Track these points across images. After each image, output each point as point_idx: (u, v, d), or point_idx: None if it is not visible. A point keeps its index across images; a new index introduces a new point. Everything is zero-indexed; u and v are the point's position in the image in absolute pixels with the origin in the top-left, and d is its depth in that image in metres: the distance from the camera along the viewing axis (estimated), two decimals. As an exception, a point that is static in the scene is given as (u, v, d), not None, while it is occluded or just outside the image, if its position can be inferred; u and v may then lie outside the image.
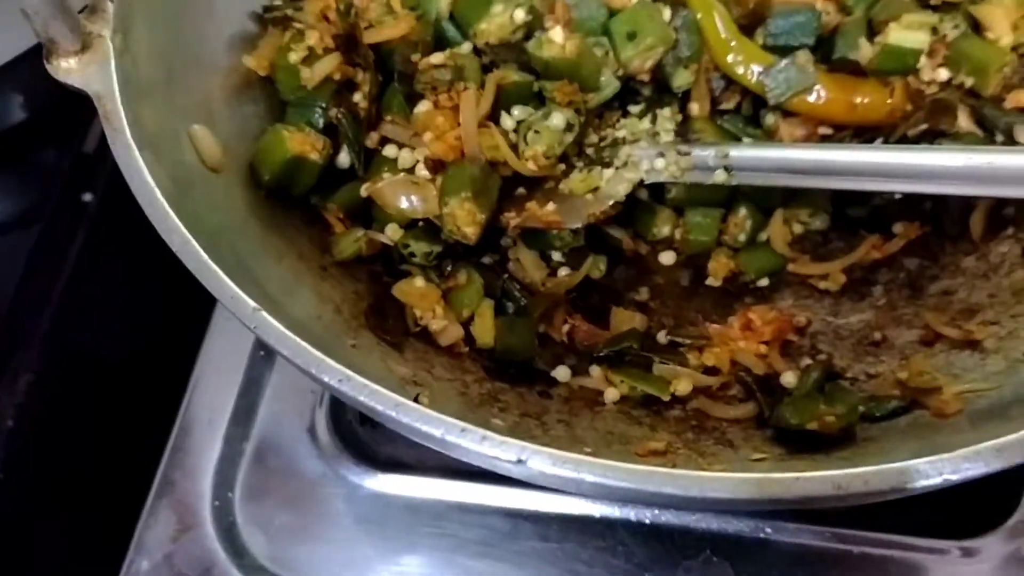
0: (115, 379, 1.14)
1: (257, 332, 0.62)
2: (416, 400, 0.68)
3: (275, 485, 0.98)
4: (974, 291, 0.86)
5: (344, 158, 0.91)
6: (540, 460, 0.55)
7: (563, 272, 0.94)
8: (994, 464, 0.52)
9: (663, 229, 0.97)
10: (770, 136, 0.97)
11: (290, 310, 0.74)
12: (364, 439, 1.00)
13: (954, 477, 0.52)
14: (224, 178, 0.83)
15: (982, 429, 0.64)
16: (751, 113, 0.98)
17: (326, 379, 0.59)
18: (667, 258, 0.97)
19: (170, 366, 1.07)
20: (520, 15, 0.91)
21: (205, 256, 0.63)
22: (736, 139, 0.97)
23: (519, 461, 0.55)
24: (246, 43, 0.94)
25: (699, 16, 0.94)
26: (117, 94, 0.72)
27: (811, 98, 0.92)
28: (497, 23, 0.91)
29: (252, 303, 0.61)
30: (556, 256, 0.94)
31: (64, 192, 1.21)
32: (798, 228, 0.97)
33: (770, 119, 0.97)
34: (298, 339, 0.61)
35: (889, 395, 0.76)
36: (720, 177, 0.87)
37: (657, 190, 0.96)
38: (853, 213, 0.96)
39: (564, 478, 0.55)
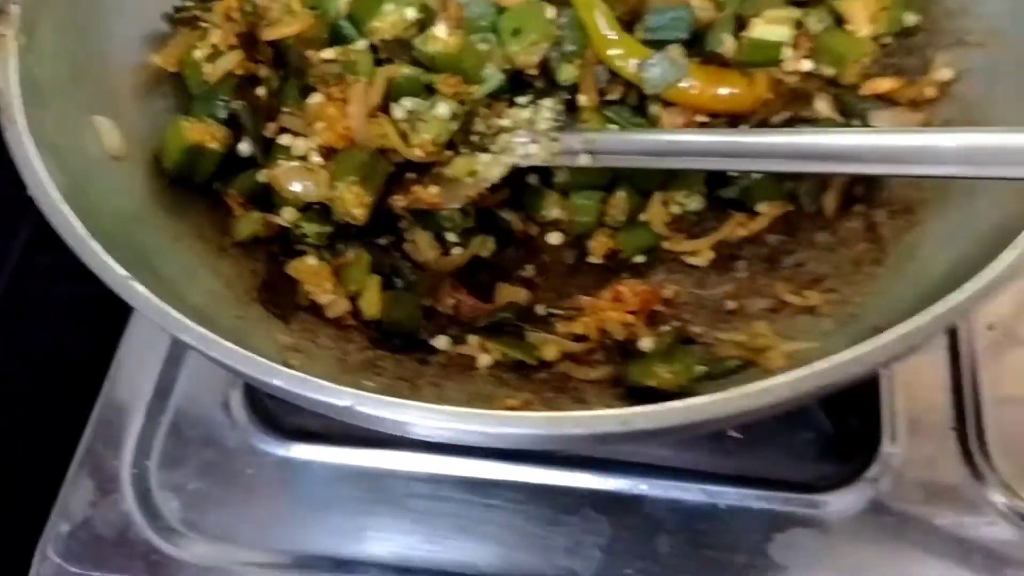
0: (50, 364, 1.21)
1: (127, 298, 0.68)
2: (287, 365, 0.75)
3: (190, 454, 1.05)
4: (821, 263, 0.93)
5: (245, 147, 0.97)
6: (371, 405, 0.61)
7: (456, 251, 1.01)
8: (760, 401, 0.59)
9: (551, 211, 1.04)
10: (653, 124, 1.04)
11: (180, 286, 0.81)
12: (274, 412, 1.06)
13: (723, 413, 0.59)
14: (128, 167, 0.90)
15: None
16: (637, 103, 1.05)
17: (183, 337, 0.66)
18: (554, 238, 1.04)
19: (99, 350, 1.14)
20: (411, 13, 0.98)
21: (79, 228, 0.70)
22: (621, 127, 1.04)
23: (350, 407, 0.61)
24: (157, 42, 1.01)
25: (582, 13, 1.01)
26: (15, 88, 0.79)
27: (685, 89, 0.99)
28: (390, 21, 0.98)
29: (122, 271, 0.68)
30: (450, 237, 1.01)
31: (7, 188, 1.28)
32: (676, 209, 1.03)
33: (653, 109, 1.03)
34: (164, 304, 0.67)
35: (728, 355, 0.83)
36: (584, 160, 0.94)
37: (546, 175, 1.03)
38: (725, 194, 1.02)
39: (390, 420, 0.62)
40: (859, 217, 0.94)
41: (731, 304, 0.93)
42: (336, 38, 1.00)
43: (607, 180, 1.02)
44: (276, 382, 0.63)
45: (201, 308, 0.79)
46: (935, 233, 0.84)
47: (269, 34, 0.97)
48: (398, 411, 0.61)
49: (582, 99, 1.05)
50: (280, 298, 0.91)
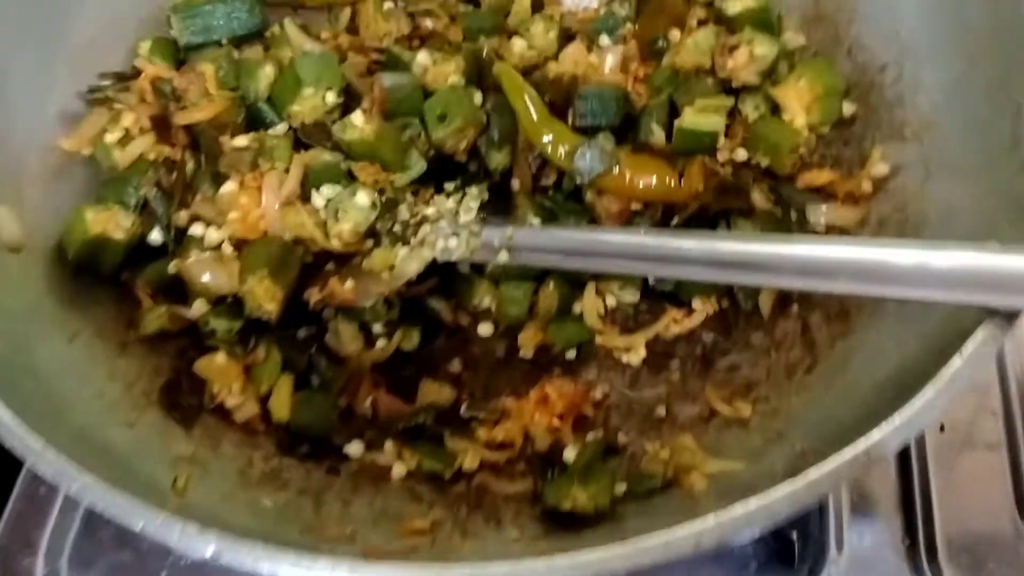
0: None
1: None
2: (174, 484, 0.70)
3: (103, 555, 0.98)
4: (756, 367, 0.89)
5: (156, 235, 0.93)
6: (236, 553, 0.56)
7: (380, 344, 0.96)
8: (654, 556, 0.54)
9: (483, 300, 1.00)
10: (589, 211, 1.01)
11: (66, 394, 0.76)
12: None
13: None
14: (24, 258, 0.85)
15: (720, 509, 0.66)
16: (572, 188, 1.02)
17: (40, 469, 0.61)
18: (485, 329, 1.00)
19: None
20: (331, 98, 0.94)
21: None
22: (554, 214, 1.00)
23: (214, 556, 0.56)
24: (70, 121, 0.97)
25: (511, 99, 0.98)
26: None
27: (617, 177, 0.96)
28: (310, 105, 0.95)
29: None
30: (376, 327, 0.97)
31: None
32: (611, 300, 1.00)
33: (588, 195, 1.00)
34: (24, 429, 0.62)
35: (651, 473, 0.79)
36: (503, 257, 0.90)
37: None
38: (659, 287, 0.99)
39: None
40: (795, 319, 0.91)
41: (661, 410, 0.89)
42: (254, 121, 0.97)
43: (539, 271, 0.98)
44: (140, 525, 0.57)
45: (84, 421, 0.74)
46: (867, 344, 0.81)
47: (183, 118, 0.93)
48: (267, 561, 0.56)
49: (515, 183, 1.02)
50: (183, 400, 0.86)
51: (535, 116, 0.97)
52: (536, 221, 0.93)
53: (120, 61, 1.02)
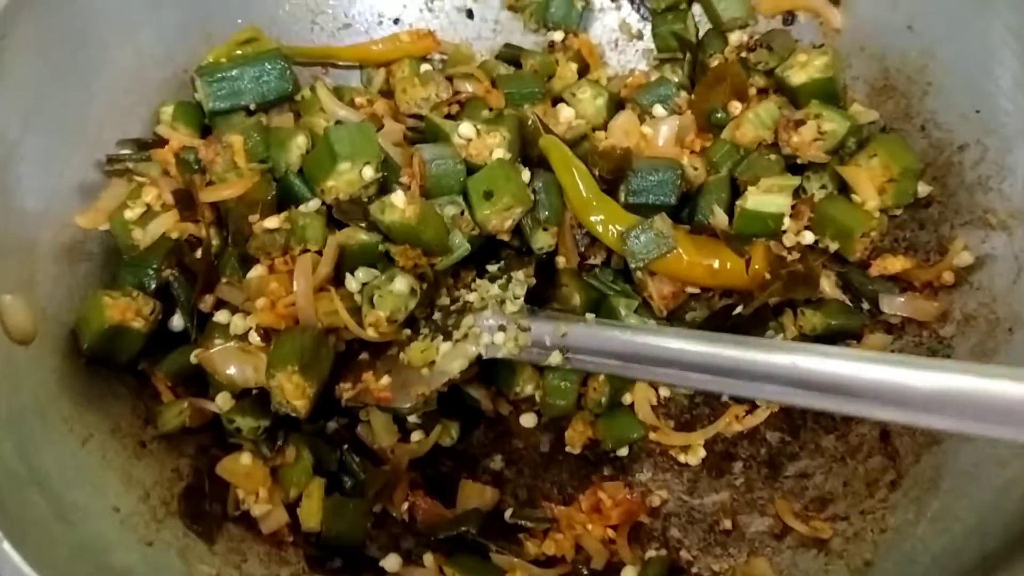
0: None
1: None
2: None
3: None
4: (830, 476, 0.81)
5: (177, 321, 0.86)
6: None
7: (416, 437, 0.89)
8: None
9: (526, 388, 0.92)
10: (639, 292, 0.94)
11: (76, 510, 0.69)
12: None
13: None
14: (34, 350, 0.78)
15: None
16: (621, 266, 0.95)
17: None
18: (528, 420, 0.92)
19: None
20: (369, 173, 0.87)
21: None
22: (602, 295, 0.93)
23: None
24: (87, 194, 0.90)
25: (560, 175, 0.91)
26: None
27: (673, 260, 0.89)
28: (345, 180, 0.88)
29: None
30: (411, 418, 0.89)
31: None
32: (664, 391, 0.92)
33: (639, 274, 0.93)
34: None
35: (724, 605, 0.71)
36: (556, 359, 0.83)
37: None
38: (718, 379, 0.91)
39: None
40: (871, 422, 0.83)
41: (726, 522, 0.81)
42: (286, 197, 0.90)
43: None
44: None
45: (97, 543, 0.67)
46: (960, 460, 0.73)
47: (209, 195, 0.86)
48: None
49: (560, 260, 0.95)
50: (205, 508, 0.78)
51: (585, 193, 0.90)
52: (591, 317, 0.86)
53: (141, 127, 0.95)
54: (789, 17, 1.04)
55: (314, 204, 0.88)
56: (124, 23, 0.90)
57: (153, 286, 0.85)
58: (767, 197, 0.89)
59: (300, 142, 0.91)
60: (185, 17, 0.96)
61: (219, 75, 0.95)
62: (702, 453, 0.87)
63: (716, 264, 0.88)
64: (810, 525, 0.76)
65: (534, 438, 0.92)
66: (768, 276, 0.87)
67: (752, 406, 0.89)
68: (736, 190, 0.93)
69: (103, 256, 0.89)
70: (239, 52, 0.98)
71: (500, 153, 0.90)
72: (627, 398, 0.92)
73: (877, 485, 0.77)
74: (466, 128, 0.91)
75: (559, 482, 0.88)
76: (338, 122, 0.95)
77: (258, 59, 0.96)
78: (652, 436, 0.89)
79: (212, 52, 0.98)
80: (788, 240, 0.90)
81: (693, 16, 1.07)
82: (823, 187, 0.93)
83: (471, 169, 0.90)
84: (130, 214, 0.87)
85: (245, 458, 0.82)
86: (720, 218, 0.89)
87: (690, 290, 0.93)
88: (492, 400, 0.93)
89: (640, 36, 1.10)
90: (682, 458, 0.88)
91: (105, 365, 0.83)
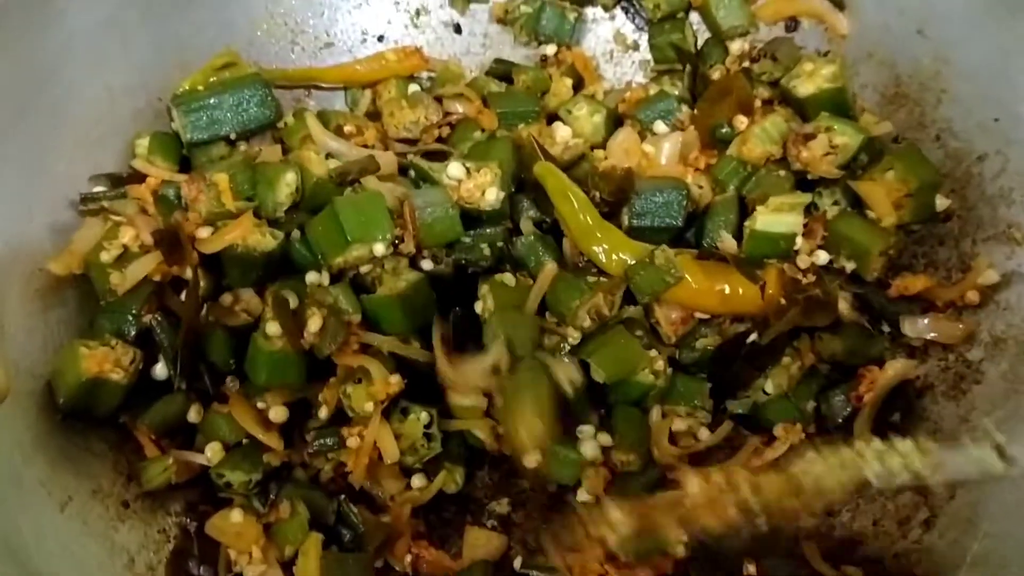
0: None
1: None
2: None
3: None
4: (857, 514, 0.77)
5: (161, 369, 0.81)
6: None
7: (417, 483, 0.84)
8: None
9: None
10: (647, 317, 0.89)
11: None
12: None
13: None
14: (7, 409, 0.73)
15: None
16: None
17: None
18: (532, 459, 0.87)
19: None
20: (380, 249, 0.81)
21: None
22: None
23: None
24: (59, 234, 0.84)
25: (557, 205, 0.85)
26: None
27: (680, 288, 0.84)
28: (355, 256, 0.82)
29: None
30: (409, 460, 0.84)
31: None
32: (679, 425, 0.87)
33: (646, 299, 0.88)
34: None
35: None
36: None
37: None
38: (733, 409, 0.87)
39: None
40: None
41: (751, 567, 0.77)
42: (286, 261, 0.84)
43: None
44: None
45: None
46: (998, 497, 0.68)
47: (205, 246, 0.81)
48: None
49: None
50: (195, 573, 0.74)
51: (585, 221, 0.85)
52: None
53: (115, 160, 0.90)
54: (792, 24, 0.99)
55: (323, 278, 0.83)
56: (93, 53, 0.85)
57: (133, 333, 0.80)
58: (777, 216, 0.84)
59: (289, 179, 0.85)
60: (157, 44, 0.91)
61: (196, 104, 0.91)
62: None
63: (727, 289, 0.84)
64: (841, 571, 0.72)
65: (541, 477, 0.87)
66: (783, 301, 0.82)
67: (770, 438, 0.85)
68: (744, 209, 0.89)
69: (78, 302, 0.84)
70: (215, 79, 0.93)
71: (492, 194, 0.85)
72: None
73: (909, 524, 0.73)
74: (455, 169, 0.85)
75: (571, 524, 0.83)
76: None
77: (237, 85, 0.92)
78: (671, 475, 0.84)
79: (188, 79, 0.92)
80: (802, 261, 0.85)
81: (691, 25, 1.03)
82: (835, 203, 0.88)
83: (465, 212, 0.85)
84: (107, 256, 0.82)
85: (236, 515, 0.77)
86: (728, 243, 0.84)
87: (699, 315, 0.88)
88: (495, 438, 0.88)
89: (636, 47, 1.05)
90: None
91: (83, 420, 0.78)
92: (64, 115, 0.85)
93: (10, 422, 0.73)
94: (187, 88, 0.92)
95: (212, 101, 0.91)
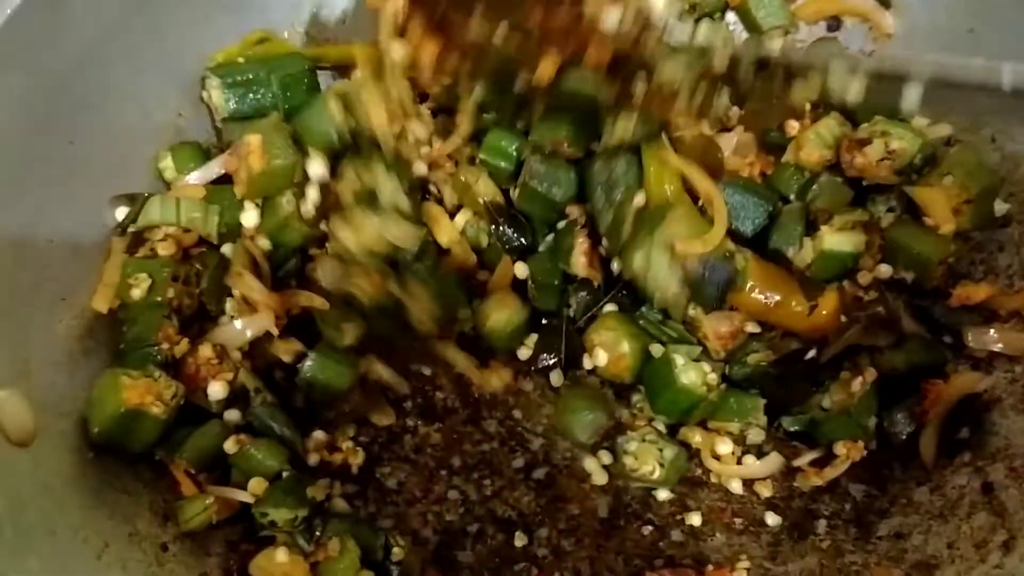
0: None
1: None
2: None
3: None
4: (930, 536, 0.74)
5: (217, 389, 0.77)
6: None
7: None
8: None
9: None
10: (692, 331, 0.86)
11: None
12: None
13: None
14: (35, 452, 0.69)
15: None
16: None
17: None
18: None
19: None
20: None
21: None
22: (654, 338, 0.86)
23: None
24: (83, 260, 0.80)
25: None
26: None
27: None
28: None
29: None
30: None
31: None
32: (724, 447, 0.84)
33: (691, 312, 0.85)
34: None
35: None
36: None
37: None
38: (789, 426, 0.84)
39: None
40: (970, 472, 0.76)
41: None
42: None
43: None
44: None
45: None
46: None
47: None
48: None
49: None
50: (240, 618, 0.70)
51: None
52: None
53: (137, 180, 0.86)
54: (834, 23, 0.96)
55: None
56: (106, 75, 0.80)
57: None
58: (843, 236, 0.82)
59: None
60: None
61: (238, 76, 0.85)
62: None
63: (779, 299, 0.81)
64: (919, 599, 0.69)
65: (590, 502, 0.84)
66: (844, 319, 0.79)
67: (829, 455, 0.82)
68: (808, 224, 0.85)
69: (107, 332, 0.80)
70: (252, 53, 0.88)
71: None
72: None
73: (987, 547, 0.70)
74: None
75: (624, 551, 0.80)
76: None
77: (279, 61, 0.87)
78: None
79: (222, 52, 0.88)
80: (863, 278, 0.82)
81: (727, 26, 0.99)
82: (890, 210, 0.85)
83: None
84: (138, 292, 0.78)
85: (281, 554, 0.73)
86: (804, 256, 0.81)
87: (749, 329, 0.85)
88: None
89: (673, 49, 1.02)
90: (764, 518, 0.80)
91: (116, 455, 0.74)
92: (83, 137, 0.81)
93: (40, 467, 0.69)
94: (222, 61, 0.87)
95: (252, 76, 0.86)
